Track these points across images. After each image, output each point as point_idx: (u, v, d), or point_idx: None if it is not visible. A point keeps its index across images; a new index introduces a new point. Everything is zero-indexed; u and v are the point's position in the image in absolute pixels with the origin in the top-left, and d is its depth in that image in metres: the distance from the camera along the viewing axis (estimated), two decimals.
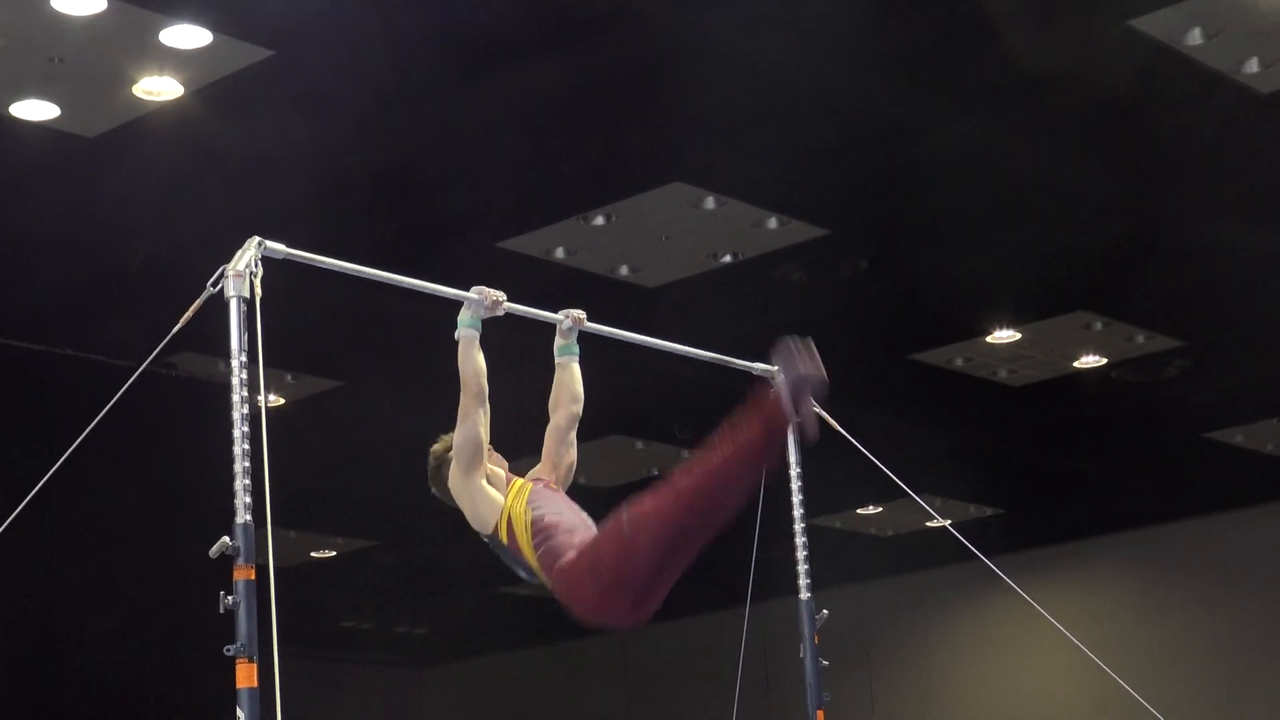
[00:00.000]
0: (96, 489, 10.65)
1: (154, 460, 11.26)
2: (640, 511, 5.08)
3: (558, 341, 5.98)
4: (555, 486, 5.82)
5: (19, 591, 10.78)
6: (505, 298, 5.65)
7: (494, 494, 5.63)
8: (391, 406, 12.82)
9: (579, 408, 5.98)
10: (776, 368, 4.78)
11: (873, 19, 8.32)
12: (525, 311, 5.80)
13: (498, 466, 5.76)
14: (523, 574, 5.61)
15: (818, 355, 4.73)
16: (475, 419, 5.57)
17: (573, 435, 5.99)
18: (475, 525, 5.68)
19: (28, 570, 10.73)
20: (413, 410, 12.97)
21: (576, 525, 5.52)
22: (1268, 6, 8.35)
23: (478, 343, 5.59)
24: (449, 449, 5.71)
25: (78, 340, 11.02)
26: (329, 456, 13.56)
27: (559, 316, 5.95)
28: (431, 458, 5.83)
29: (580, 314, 5.99)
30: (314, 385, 12.55)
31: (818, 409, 5.02)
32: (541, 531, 5.49)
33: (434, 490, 5.86)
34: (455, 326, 5.60)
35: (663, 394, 12.59)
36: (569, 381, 5.98)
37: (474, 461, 5.60)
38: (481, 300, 5.60)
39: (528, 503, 5.58)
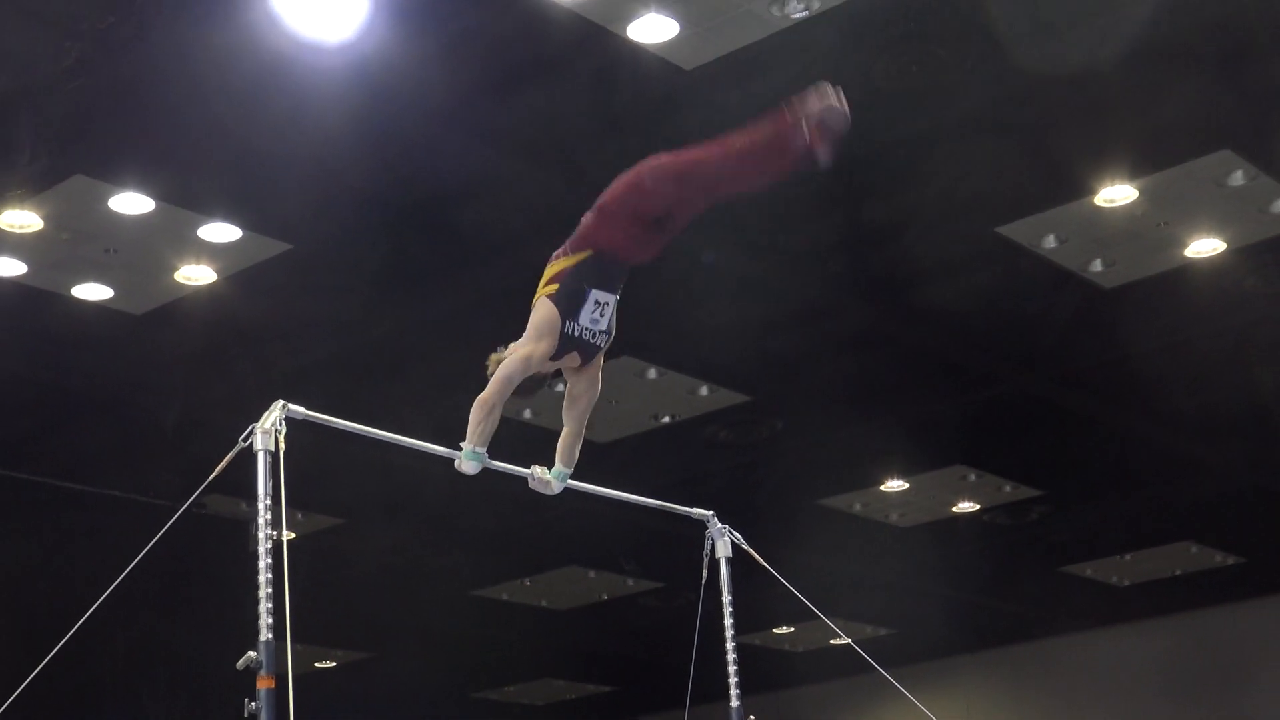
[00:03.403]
0: (138, 610, 10.48)
1: (187, 585, 11.08)
2: (659, 167, 4.92)
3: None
4: None
5: (68, 704, 10.52)
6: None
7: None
8: (384, 540, 12.70)
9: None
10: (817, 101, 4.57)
11: (791, 220, 8.40)
12: (503, 468, 5.79)
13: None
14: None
15: (841, 98, 4.60)
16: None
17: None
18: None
19: (78, 685, 10.47)
20: (402, 544, 12.89)
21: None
22: (1109, 218, 8.48)
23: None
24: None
25: (123, 483, 10.91)
26: (331, 581, 13.39)
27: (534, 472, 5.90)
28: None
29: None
30: (320, 522, 12.42)
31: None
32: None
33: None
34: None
35: (612, 532, 12.52)
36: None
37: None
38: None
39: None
